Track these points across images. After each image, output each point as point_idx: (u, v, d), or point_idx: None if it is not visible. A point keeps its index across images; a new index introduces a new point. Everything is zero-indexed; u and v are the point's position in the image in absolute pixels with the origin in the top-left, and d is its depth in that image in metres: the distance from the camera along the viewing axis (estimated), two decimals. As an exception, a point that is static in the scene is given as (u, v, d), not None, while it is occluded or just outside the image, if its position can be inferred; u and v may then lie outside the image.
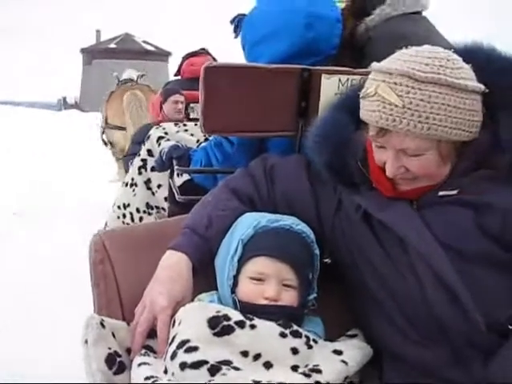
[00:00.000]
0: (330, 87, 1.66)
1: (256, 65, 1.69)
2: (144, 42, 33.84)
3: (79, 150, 10.31)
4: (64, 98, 34.36)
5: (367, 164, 1.39)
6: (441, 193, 1.31)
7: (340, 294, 1.50)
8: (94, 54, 34.26)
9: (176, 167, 2.08)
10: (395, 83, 1.23)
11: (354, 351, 1.32)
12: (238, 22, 1.90)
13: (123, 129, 6.78)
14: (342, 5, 2.04)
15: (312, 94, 1.68)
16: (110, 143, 7.27)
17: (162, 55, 31.44)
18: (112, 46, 33.64)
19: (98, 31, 38.62)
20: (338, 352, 1.30)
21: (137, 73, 7.76)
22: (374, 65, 1.29)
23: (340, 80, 1.67)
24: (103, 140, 7.37)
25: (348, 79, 1.67)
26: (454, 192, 1.30)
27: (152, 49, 32.93)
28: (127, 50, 31.99)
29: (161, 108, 4.66)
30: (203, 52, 4.99)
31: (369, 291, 1.37)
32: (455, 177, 1.31)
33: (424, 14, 2.14)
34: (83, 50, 35.65)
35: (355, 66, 1.76)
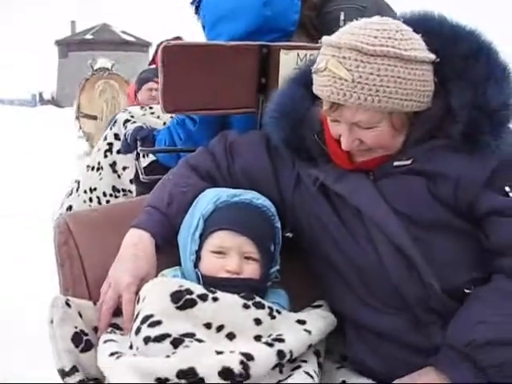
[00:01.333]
0: (289, 63, 1.67)
1: (214, 43, 1.70)
2: (122, 32, 32.54)
3: (54, 146, 10.05)
4: (40, 94, 32.91)
5: (324, 137, 1.41)
6: (396, 163, 1.33)
7: (304, 266, 1.53)
8: (69, 46, 32.80)
9: (139, 148, 2.09)
10: (344, 57, 1.23)
11: (317, 320, 1.35)
12: (199, 3, 1.90)
13: (94, 118, 6.74)
14: None
15: (271, 69, 1.69)
16: (87, 134, 7.24)
17: (142, 45, 30.07)
18: (88, 36, 32.28)
19: (72, 22, 37.09)
20: (302, 322, 1.32)
21: (110, 62, 7.71)
22: (324, 39, 1.30)
23: (298, 55, 1.68)
24: (80, 131, 7.33)
25: (306, 54, 1.68)
26: (408, 162, 1.32)
27: (131, 39, 31.69)
28: (105, 40, 30.59)
29: (135, 96, 4.67)
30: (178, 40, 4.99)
31: (329, 262, 1.40)
32: (409, 146, 1.33)
33: None
34: (58, 43, 33.98)
35: (313, 42, 1.77)
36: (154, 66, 5.02)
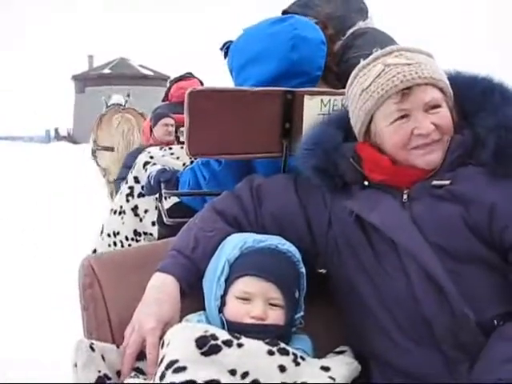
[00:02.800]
0: (313, 108, 1.69)
1: (239, 88, 1.72)
2: (140, 66, 32.60)
3: (65, 182, 9.98)
4: (56, 130, 32.40)
5: (359, 161, 1.46)
6: (434, 182, 1.38)
7: (329, 311, 1.52)
8: (86, 81, 32.71)
9: (164, 190, 2.10)
10: (396, 56, 1.44)
11: (341, 367, 1.34)
12: (227, 49, 1.94)
13: (111, 149, 6.81)
14: None
15: (295, 115, 1.70)
16: (103, 169, 7.29)
17: (160, 79, 29.66)
18: (106, 71, 32.15)
19: (90, 56, 37.11)
20: (326, 368, 1.31)
21: (124, 98, 7.82)
22: (374, 53, 1.49)
23: (322, 101, 1.70)
24: (97, 164, 7.38)
25: (330, 100, 1.70)
26: (447, 182, 1.37)
27: (149, 73, 31.71)
28: (122, 75, 30.63)
29: (151, 132, 4.71)
30: (189, 76, 5.07)
31: (360, 298, 1.40)
32: (446, 168, 1.39)
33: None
34: (75, 77, 34.01)
35: (340, 86, 1.79)
36: (168, 102, 5.09)
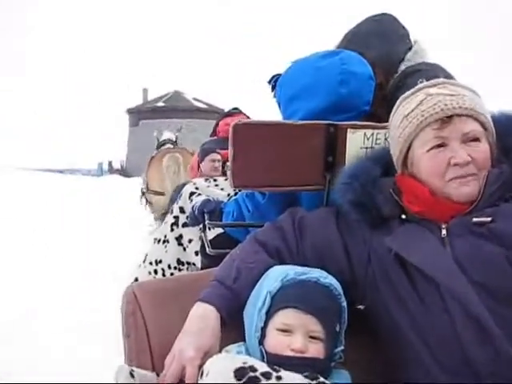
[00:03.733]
0: (356, 141, 1.70)
1: (283, 122, 1.74)
2: (194, 99, 32.41)
3: (117, 216, 10.04)
4: (110, 163, 32.27)
5: (398, 194, 1.47)
6: (475, 219, 1.36)
7: (369, 347, 1.50)
8: (140, 114, 32.48)
9: (207, 221, 2.13)
10: (439, 87, 1.46)
11: None
12: (275, 82, 1.96)
13: (162, 194, 6.87)
14: None
15: (338, 148, 1.71)
16: (150, 203, 7.38)
17: (214, 112, 28.09)
18: (160, 104, 31.98)
19: (144, 90, 36.85)
20: None
21: (175, 134, 7.94)
22: (419, 85, 1.52)
23: (365, 134, 1.71)
24: (144, 199, 7.48)
25: (373, 133, 1.71)
26: (488, 219, 1.35)
27: (203, 106, 31.39)
28: (176, 108, 30.50)
29: (198, 167, 4.77)
30: (236, 111, 5.13)
31: (400, 334, 1.38)
32: (485, 202, 1.38)
33: None
34: (129, 111, 33.72)
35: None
36: (215, 138, 5.16)
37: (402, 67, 2.15)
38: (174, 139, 7.63)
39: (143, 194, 7.37)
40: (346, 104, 1.80)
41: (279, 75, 1.96)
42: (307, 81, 1.83)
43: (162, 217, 5.41)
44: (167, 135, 7.82)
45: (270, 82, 1.97)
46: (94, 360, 3.29)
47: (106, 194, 13.50)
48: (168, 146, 7.43)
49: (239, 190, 2.09)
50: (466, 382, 1.28)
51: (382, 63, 2.24)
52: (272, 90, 1.97)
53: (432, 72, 2.04)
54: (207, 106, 32.04)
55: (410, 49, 2.34)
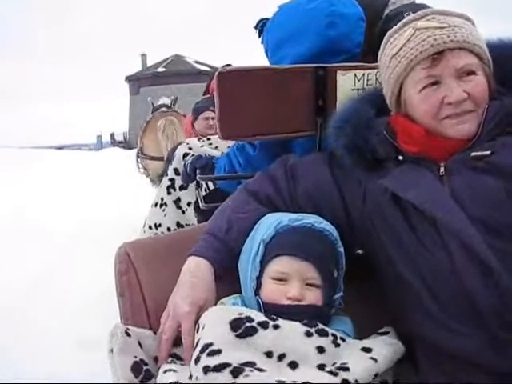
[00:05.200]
0: (346, 83, 1.64)
1: (270, 66, 1.68)
2: (196, 62, 31.15)
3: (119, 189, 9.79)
4: (112, 135, 30.85)
5: (393, 134, 1.41)
6: (473, 153, 1.30)
7: (370, 292, 1.46)
8: (140, 81, 30.97)
9: (198, 176, 2.08)
10: (428, 19, 1.36)
11: (383, 348, 1.28)
12: (262, 27, 1.90)
13: (159, 159, 6.79)
14: None
15: (328, 91, 1.65)
16: (145, 169, 7.30)
17: None
18: (161, 69, 30.63)
19: (143, 55, 34.84)
20: (367, 349, 1.26)
21: (170, 98, 7.83)
22: (406, 19, 1.41)
23: (356, 75, 1.65)
24: (138, 167, 7.39)
25: (364, 74, 1.64)
26: (487, 153, 1.29)
27: (206, 69, 29.63)
28: (178, 72, 29.18)
29: (192, 126, 4.71)
30: None
31: (401, 278, 1.34)
32: (485, 137, 1.32)
33: None
34: (129, 78, 32.10)
35: None
36: (208, 96, 5.08)
37: (386, 12, 2.11)
38: (170, 104, 7.52)
39: (139, 161, 7.29)
40: (335, 47, 1.74)
41: (266, 19, 1.89)
42: (295, 25, 1.77)
43: (158, 179, 5.36)
44: (162, 100, 7.72)
45: (256, 26, 1.90)
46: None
47: (103, 168, 12.72)
48: (162, 109, 7.32)
49: (229, 147, 2.04)
50: (469, 322, 1.24)
51: (365, 11, 2.22)
52: (259, 36, 1.90)
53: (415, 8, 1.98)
54: (210, 68, 30.97)
55: None
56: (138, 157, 7.30)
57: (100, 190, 9.12)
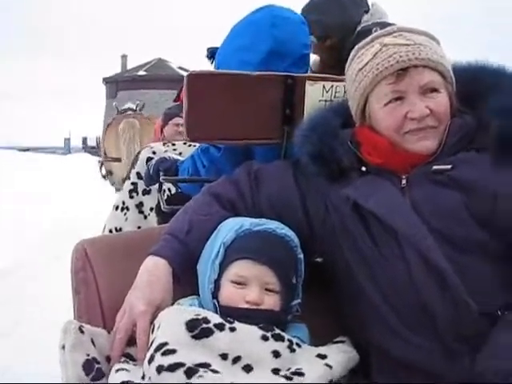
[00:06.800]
0: (314, 94, 1.65)
1: (240, 72, 1.68)
2: (180, 68, 29.88)
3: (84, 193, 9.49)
4: (84, 139, 29.40)
5: (357, 146, 1.43)
6: (435, 167, 1.33)
7: (327, 301, 1.48)
8: (119, 84, 29.80)
9: (162, 178, 2.07)
10: (395, 36, 1.39)
11: (338, 355, 1.29)
12: (212, 54, 1.93)
13: (118, 160, 6.72)
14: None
15: (296, 101, 1.66)
16: (109, 172, 7.22)
17: None
18: (141, 73, 29.52)
19: (123, 56, 33.86)
20: (322, 356, 1.27)
21: (135, 103, 7.77)
22: (374, 35, 1.45)
23: (324, 87, 1.66)
24: (101, 172, 7.31)
25: (332, 86, 1.66)
26: (448, 167, 1.32)
27: None
28: (159, 77, 28.05)
29: (161, 132, 4.69)
30: None
31: (358, 286, 1.35)
32: (446, 152, 1.35)
33: None
34: (106, 80, 30.95)
35: None
36: (179, 103, 5.07)
37: (358, 29, 2.19)
38: (135, 108, 7.46)
39: (102, 164, 7.20)
40: (281, 49, 1.77)
41: (216, 48, 1.92)
42: (241, 35, 1.81)
43: (122, 184, 5.30)
44: (128, 105, 7.66)
45: (207, 56, 1.93)
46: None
47: (65, 176, 12.21)
48: (127, 113, 7.26)
49: (194, 145, 2.04)
50: (424, 333, 1.26)
51: (337, 27, 2.32)
52: (212, 63, 1.93)
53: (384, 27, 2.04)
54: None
55: (366, 12, 2.41)
56: (100, 162, 7.23)
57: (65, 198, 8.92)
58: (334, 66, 2.09)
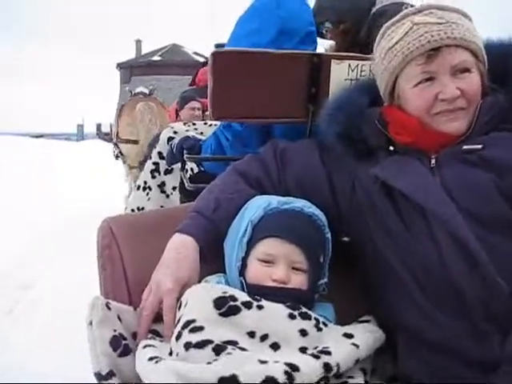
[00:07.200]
0: (340, 73, 1.64)
1: (265, 50, 1.67)
2: (195, 53, 29.69)
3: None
4: (98, 126, 28.67)
5: (385, 125, 1.41)
6: (465, 146, 1.31)
7: (354, 281, 1.47)
8: (133, 69, 29.35)
9: (186, 156, 2.06)
10: (426, 14, 1.35)
11: (365, 335, 1.29)
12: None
13: (135, 142, 6.67)
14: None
15: (322, 79, 1.66)
16: (121, 154, 7.18)
17: None
18: (156, 58, 29.24)
19: (138, 41, 33.46)
20: (349, 335, 1.26)
21: (148, 88, 7.74)
22: (404, 12, 1.40)
23: (350, 65, 1.65)
24: (114, 153, 7.27)
25: (358, 65, 1.65)
26: (479, 146, 1.30)
27: (204, 60, 29.81)
28: (173, 63, 27.85)
29: (177, 116, 4.68)
30: None
31: (386, 265, 1.34)
32: (477, 132, 1.33)
33: None
34: (120, 65, 30.55)
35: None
36: (195, 86, 5.05)
37: (373, 10, 2.18)
38: (148, 93, 7.43)
39: (115, 145, 7.16)
40: (289, 27, 1.79)
41: (222, 45, 1.94)
42: (250, 23, 1.83)
43: (140, 166, 5.29)
44: (140, 88, 7.63)
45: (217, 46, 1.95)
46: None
47: (78, 162, 12.26)
48: (140, 96, 7.22)
49: (215, 125, 2.04)
50: (453, 313, 1.24)
51: (349, 12, 2.31)
52: None
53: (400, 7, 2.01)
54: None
55: None
56: (114, 144, 7.19)
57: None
58: (349, 49, 2.08)
